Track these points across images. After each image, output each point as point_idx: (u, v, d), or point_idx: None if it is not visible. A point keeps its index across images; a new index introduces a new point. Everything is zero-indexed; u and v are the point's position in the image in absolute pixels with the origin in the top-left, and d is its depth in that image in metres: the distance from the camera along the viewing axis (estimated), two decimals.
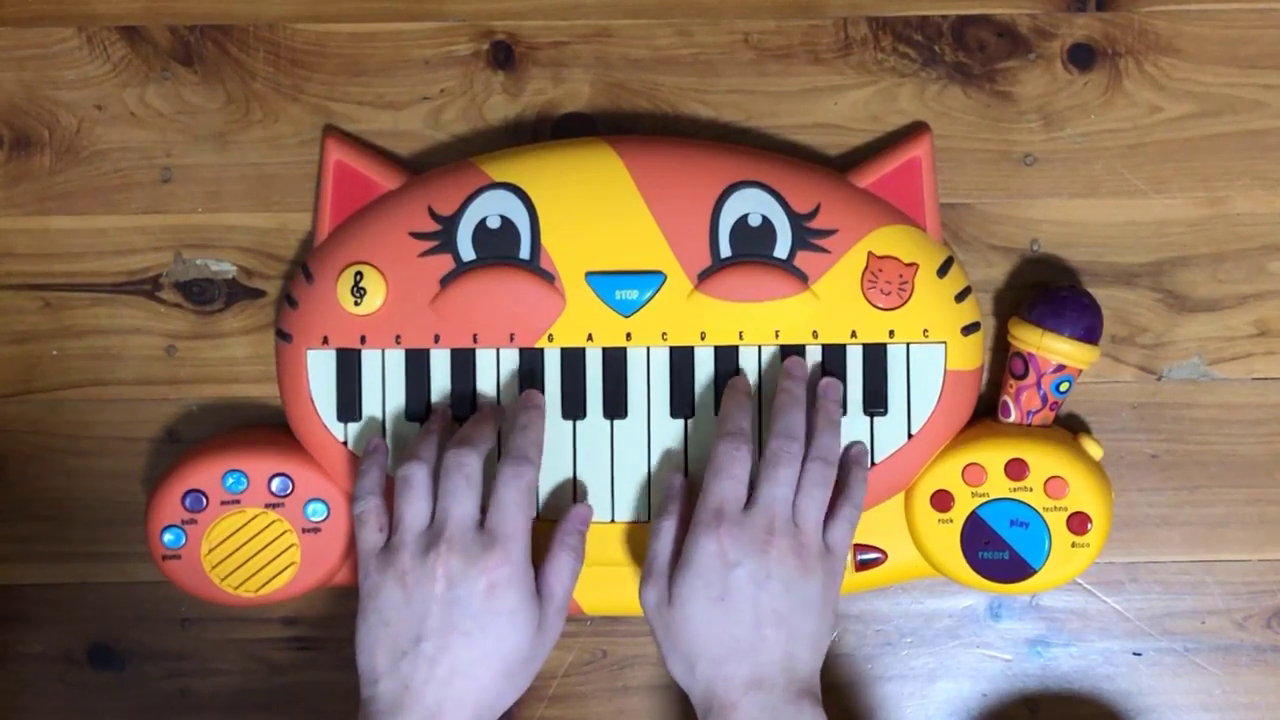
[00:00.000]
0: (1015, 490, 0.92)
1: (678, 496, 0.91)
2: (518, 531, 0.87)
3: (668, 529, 0.89)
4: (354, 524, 0.90)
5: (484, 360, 0.93)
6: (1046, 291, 0.94)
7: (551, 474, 0.93)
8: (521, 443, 0.90)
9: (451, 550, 0.86)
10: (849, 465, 0.91)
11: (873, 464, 0.93)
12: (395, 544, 0.88)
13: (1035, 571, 0.93)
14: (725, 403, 0.91)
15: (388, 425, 0.94)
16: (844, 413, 0.92)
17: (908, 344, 0.93)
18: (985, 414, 0.96)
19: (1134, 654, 0.99)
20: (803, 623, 0.86)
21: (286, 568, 0.94)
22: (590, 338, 0.93)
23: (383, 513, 0.89)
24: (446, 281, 0.92)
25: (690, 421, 0.93)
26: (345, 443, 0.94)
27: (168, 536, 0.93)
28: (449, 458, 0.88)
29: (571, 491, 0.93)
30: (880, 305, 0.92)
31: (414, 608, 0.86)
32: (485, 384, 0.93)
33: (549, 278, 0.92)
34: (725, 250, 0.92)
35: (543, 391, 0.93)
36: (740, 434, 0.89)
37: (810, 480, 0.88)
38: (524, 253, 0.92)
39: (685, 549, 0.87)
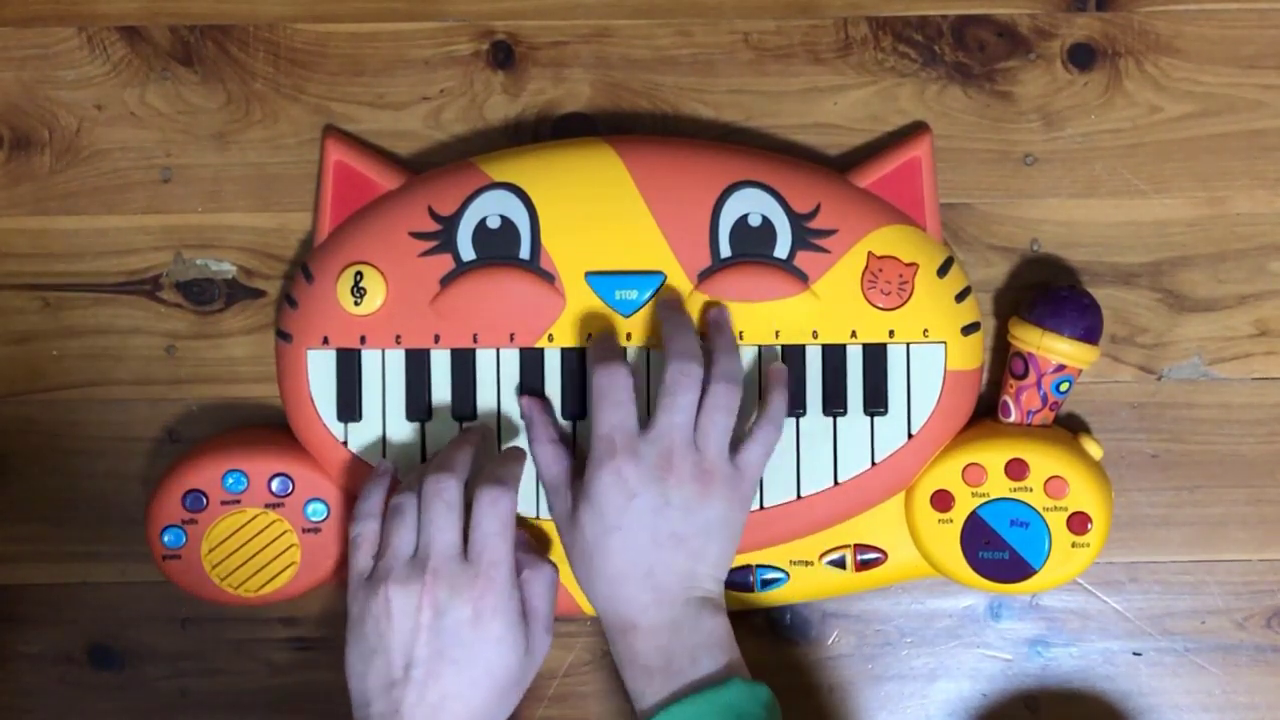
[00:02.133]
0: (1015, 490, 0.92)
1: (539, 420, 0.91)
2: (500, 559, 0.86)
3: (547, 454, 0.90)
4: (348, 546, 0.89)
5: (484, 360, 0.93)
6: (1046, 291, 0.94)
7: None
8: (499, 470, 0.89)
9: (436, 580, 0.86)
10: (769, 385, 0.91)
11: (873, 464, 0.93)
12: (381, 571, 0.87)
13: (1035, 571, 0.93)
14: (595, 339, 0.91)
15: (387, 425, 0.94)
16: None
17: (908, 344, 0.93)
18: (985, 414, 0.96)
19: (1134, 654, 0.99)
20: (704, 544, 0.87)
21: (286, 568, 0.94)
22: (590, 338, 0.93)
23: (378, 538, 0.89)
24: (446, 281, 0.92)
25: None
26: (345, 443, 0.94)
27: (168, 536, 0.93)
28: (427, 484, 0.87)
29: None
30: (880, 305, 0.92)
31: (402, 636, 0.85)
32: (485, 384, 0.93)
33: (549, 278, 0.92)
34: (725, 250, 0.92)
35: (542, 391, 0.93)
36: (615, 357, 0.89)
37: (712, 403, 0.88)
38: (524, 253, 0.92)
39: (585, 479, 0.87)
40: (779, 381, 0.91)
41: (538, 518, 0.93)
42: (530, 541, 0.92)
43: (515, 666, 0.87)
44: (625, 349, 0.91)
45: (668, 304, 0.91)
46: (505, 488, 0.88)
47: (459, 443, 0.91)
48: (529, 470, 0.92)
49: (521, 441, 0.93)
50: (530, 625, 0.88)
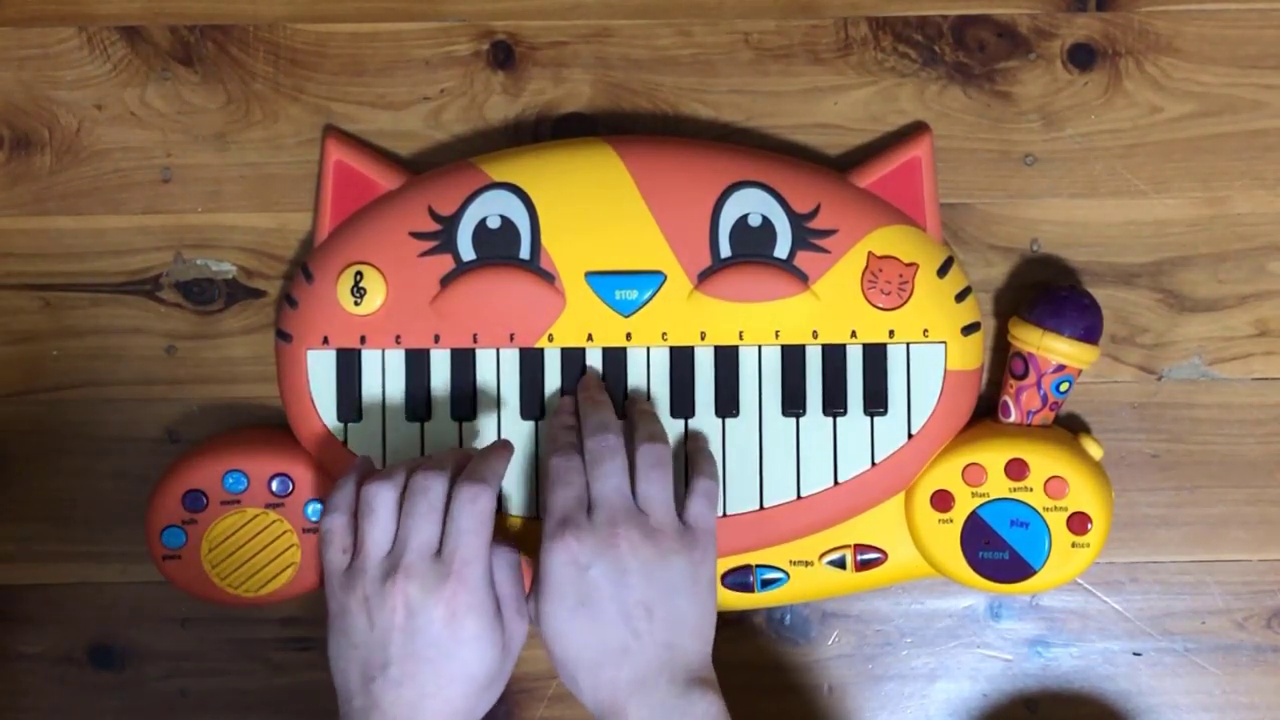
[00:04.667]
0: (1015, 490, 0.92)
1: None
2: (474, 558, 0.86)
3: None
4: (320, 539, 0.88)
5: (484, 360, 0.93)
6: (1046, 291, 0.94)
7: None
8: (480, 467, 0.88)
9: (409, 579, 0.85)
10: (690, 449, 0.92)
11: (873, 464, 0.93)
12: (357, 568, 0.86)
13: (1035, 571, 0.93)
14: (551, 425, 0.91)
15: (387, 425, 0.94)
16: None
17: (908, 344, 0.93)
18: (985, 414, 0.96)
19: (1134, 654, 0.99)
20: (673, 608, 0.85)
21: (286, 568, 0.94)
22: (590, 338, 0.93)
23: (348, 532, 0.87)
24: (446, 281, 0.92)
25: (690, 421, 0.93)
26: (345, 443, 0.94)
27: (168, 536, 0.93)
28: (414, 481, 0.87)
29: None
30: (880, 305, 0.92)
31: (377, 634, 0.85)
32: (485, 384, 0.93)
33: (549, 278, 0.92)
34: (725, 250, 0.92)
35: (542, 391, 0.93)
36: (568, 446, 0.89)
37: (645, 463, 0.88)
38: (524, 253, 0.92)
39: (539, 565, 0.86)
40: (694, 440, 0.92)
41: (538, 517, 0.93)
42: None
43: (492, 662, 0.86)
44: (576, 430, 0.91)
45: (584, 385, 0.92)
46: (485, 485, 0.87)
47: (451, 450, 0.90)
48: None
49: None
50: (503, 615, 0.87)
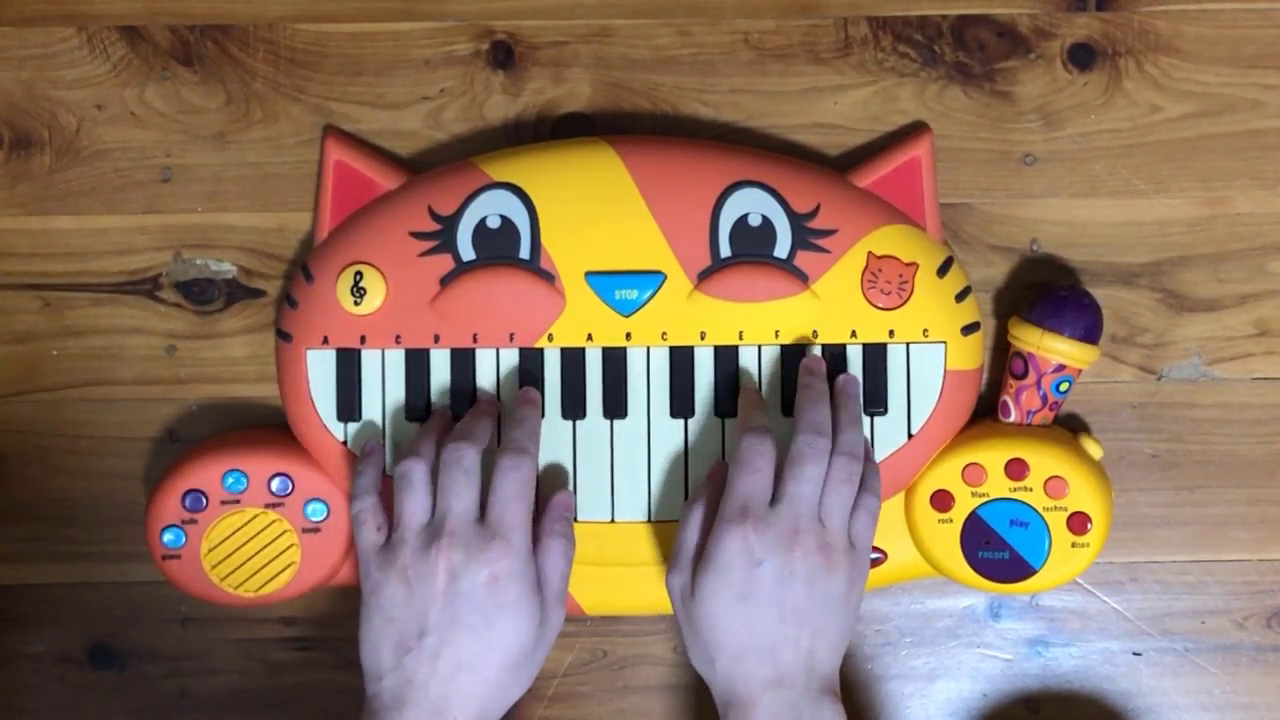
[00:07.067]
0: (1015, 490, 0.92)
1: (713, 483, 0.90)
2: (518, 524, 0.87)
3: (697, 517, 0.89)
4: (352, 524, 0.90)
5: (484, 360, 0.93)
6: (1046, 291, 0.94)
7: (552, 474, 0.93)
8: (518, 435, 0.89)
9: (453, 544, 0.86)
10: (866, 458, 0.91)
11: None
12: (396, 541, 0.87)
13: (1035, 571, 0.93)
14: (743, 402, 0.91)
15: (387, 425, 0.94)
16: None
17: (908, 344, 0.93)
18: (985, 414, 0.96)
19: (1134, 654, 0.99)
20: (825, 621, 0.86)
21: (286, 568, 0.94)
22: (590, 338, 0.93)
23: (379, 512, 0.89)
24: (446, 281, 0.92)
25: (690, 421, 0.93)
26: (345, 443, 0.94)
27: (168, 536, 0.93)
28: (447, 452, 0.88)
29: (572, 491, 0.93)
30: (880, 305, 0.92)
31: (416, 603, 0.86)
32: (485, 384, 0.93)
33: (549, 278, 0.92)
34: (725, 250, 0.92)
35: (543, 391, 0.93)
36: (763, 429, 0.88)
37: (837, 477, 0.88)
38: (524, 253, 0.92)
39: (710, 544, 0.86)
40: (869, 455, 0.91)
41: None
42: (560, 514, 0.91)
43: (529, 636, 0.87)
44: (768, 414, 0.91)
45: (809, 369, 0.91)
46: (524, 454, 0.88)
47: (477, 414, 0.91)
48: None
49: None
50: (544, 596, 0.88)
